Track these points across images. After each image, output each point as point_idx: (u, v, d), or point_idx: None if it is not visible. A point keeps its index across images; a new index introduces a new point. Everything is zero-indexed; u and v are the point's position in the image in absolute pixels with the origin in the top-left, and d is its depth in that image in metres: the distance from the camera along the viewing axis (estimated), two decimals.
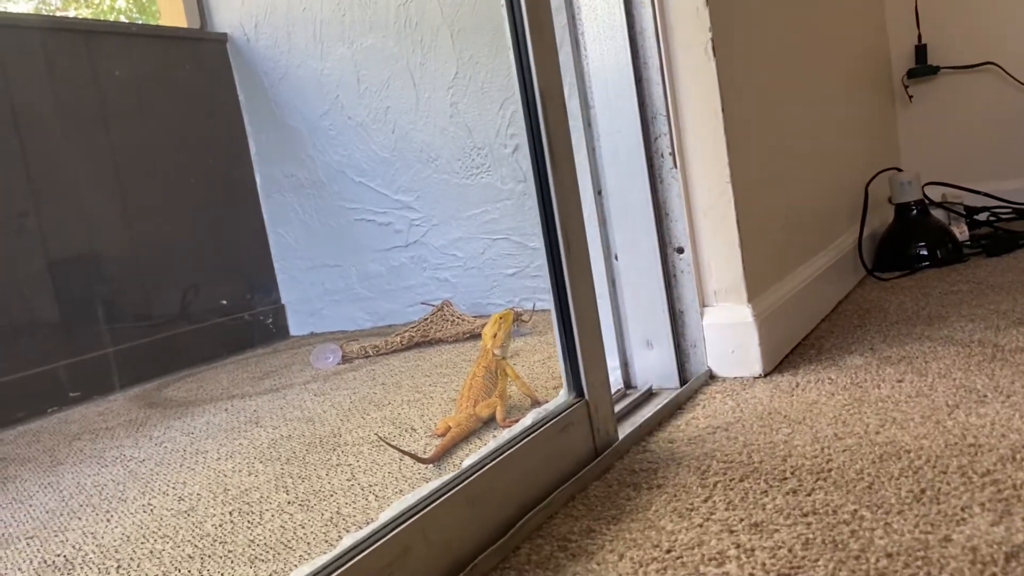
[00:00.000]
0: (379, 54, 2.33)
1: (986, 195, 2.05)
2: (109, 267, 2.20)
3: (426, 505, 0.70)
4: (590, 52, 1.16)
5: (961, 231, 1.87)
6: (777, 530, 0.69)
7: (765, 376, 1.15)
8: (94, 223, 2.17)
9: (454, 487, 0.73)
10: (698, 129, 1.15)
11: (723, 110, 1.13)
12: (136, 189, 2.28)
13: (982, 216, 2.04)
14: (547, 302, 2.09)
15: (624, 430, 1.00)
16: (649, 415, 1.03)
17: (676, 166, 1.16)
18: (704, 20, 1.11)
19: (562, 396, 0.94)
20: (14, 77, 2.04)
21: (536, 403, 1.24)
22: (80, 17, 2.25)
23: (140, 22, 2.48)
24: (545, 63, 0.89)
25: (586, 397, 0.93)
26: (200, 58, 2.51)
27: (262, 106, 2.56)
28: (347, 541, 0.70)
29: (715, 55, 1.12)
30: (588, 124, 1.18)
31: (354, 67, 2.37)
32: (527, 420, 0.89)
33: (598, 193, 1.19)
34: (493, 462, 0.78)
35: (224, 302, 2.47)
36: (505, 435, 0.86)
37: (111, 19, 2.42)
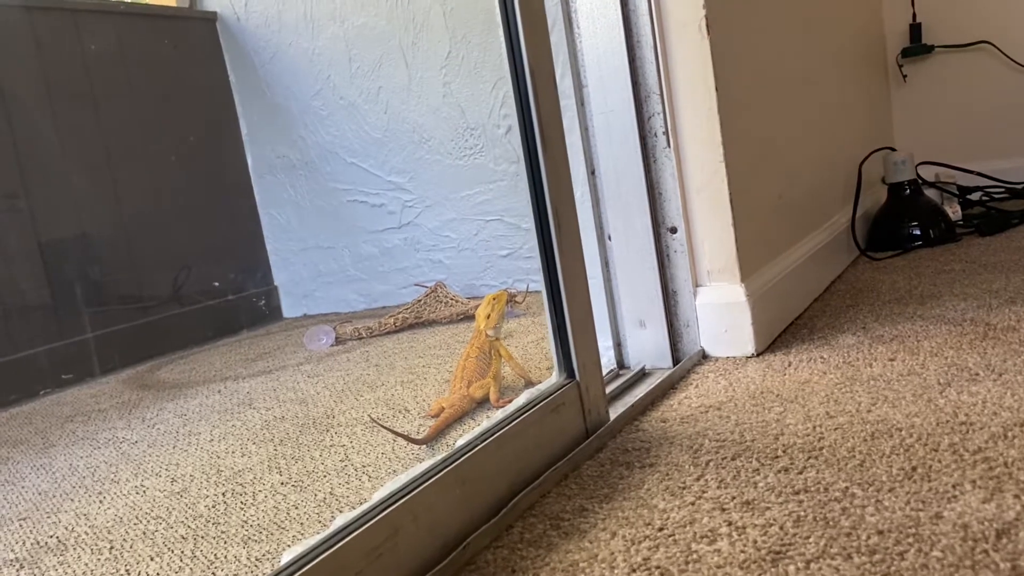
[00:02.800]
0: (371, 33, 2.31)
1: (979, 174, 2.05)
2: (100, 249, 2.19)
3: (416, 486, 0.70)
4: (583, 30, 1.15)
5: (954, 210, 1.87)
6: (769, 508, 0.69)
7: (758, 356, 1.15)
8: (85, 205, 2.16)
9: (445, 468, 0.73)
10: (692, 108, 1.14)
11: (717, 89, 1.12)
12: (127, 170, 2.26)
13: (975, 196, 2.04)
14: (540, 283, 2.08)
15: (617, 410, 1.00)
16: (642, 395, 1.03)
17: (670, 145, 1.15)
18: None
19: (554, 377, 0.94)
20: (2, 57, 2.02)
21: (530, 383, 1.24)
22: None
23: (128, 1, 2.45)
24: (535, 40, 0.88)
25: (577, 378, 0.92)
26: (189, 37, 2.48)
27: (253, 86, 2.54)
28: (339, 521, 0.70)
29: (709, 33, 1.11)
30: (581, 103, 1.17)
31: (345, 46, 2.35)
32: (520, 400, 0.89)
33: (591, 173, 1.19)
34: (484, 443, 0.78)
35: (216, 284, 2.46)
36: (497, 416, 0.86)
37: None
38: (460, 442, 0.80)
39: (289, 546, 0.83)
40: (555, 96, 0.91)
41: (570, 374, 0.93)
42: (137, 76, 2.32)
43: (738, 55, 1.22)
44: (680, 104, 1.15)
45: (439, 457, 0.76)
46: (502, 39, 0.89)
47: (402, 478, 0.73)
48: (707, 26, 1.11)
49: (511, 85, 0.89)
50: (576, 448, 0.88)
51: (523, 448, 0.83)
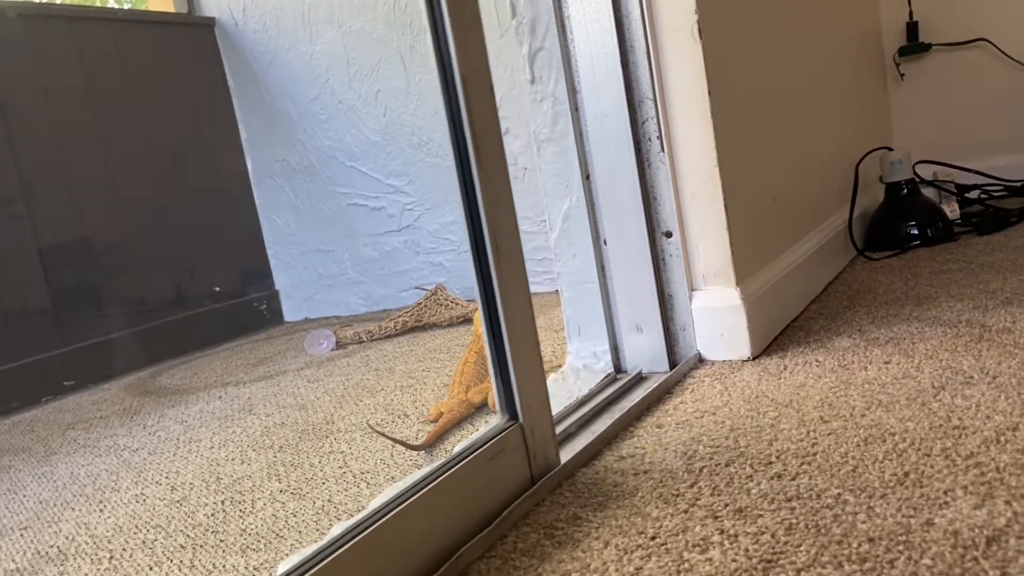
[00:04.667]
0: (368, 37, 2.31)
1: (977, 173, 2.05)
2: (101, 255, 2.20)
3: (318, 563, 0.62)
4: (576, 36, 1.16)
5: (952, 209, 1.87)
6: (761, 515, 0.70)
7: (754, 359, 1.16)
8: (84, 211, 2.17)
9: (354, 538, 0.65)
10: (685, 112, 1.15)
11: (710, 93, 1.13)
12: (126, 176, 2.27)
13: (973, 194, 2.04)
14: (538, 285, 2.07)
15: (613, 415, 1.01)
16: (637, 400, 1.03)
17: (664, 150, 1.15)
18: (690, 2, 1.10)
19: (495, 419, 0.85)
20: (1, 64, 2.03)
21: None
22: (66, 3, 2.23)
23: (127, 7, 2.45)
24: (468, 46, 0.80)
25: (520, 420, 0.83)
26: (188, 43, 2.49)
27: (252, 91, 2.54)
28: (335, 530, 0.70)
29: (701, 37, 1.11)
30: (575, 108, 1.18)
31: (344, 50, 2.36)
32: (457, 448, 0.81)
33: (586, 178, 1.19)
34: (403, 505, 0.69)
35: (217, 288, 2.47)
36: (421, 472, 0.76)
37: (98, 5, 2.39)
38: (374, 504, 0.72)
39: (286, 555, 0.83)
40: (492, 105, 0.82)
41: (513, 415, 0.83)
42: (136, 82, 2.33)
43: (731, 58, 1.22)
44: (674, 108, 1.15)
45: (350, 523, 0.68)
46: (429, 44, 0.80)
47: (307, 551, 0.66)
48: (699, 31, 1.11)
49: (440, 93, 0.81)
50: (515, 501, 0.78)
51: (452, 506, 0.73)
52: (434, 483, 0.72)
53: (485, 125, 0.81)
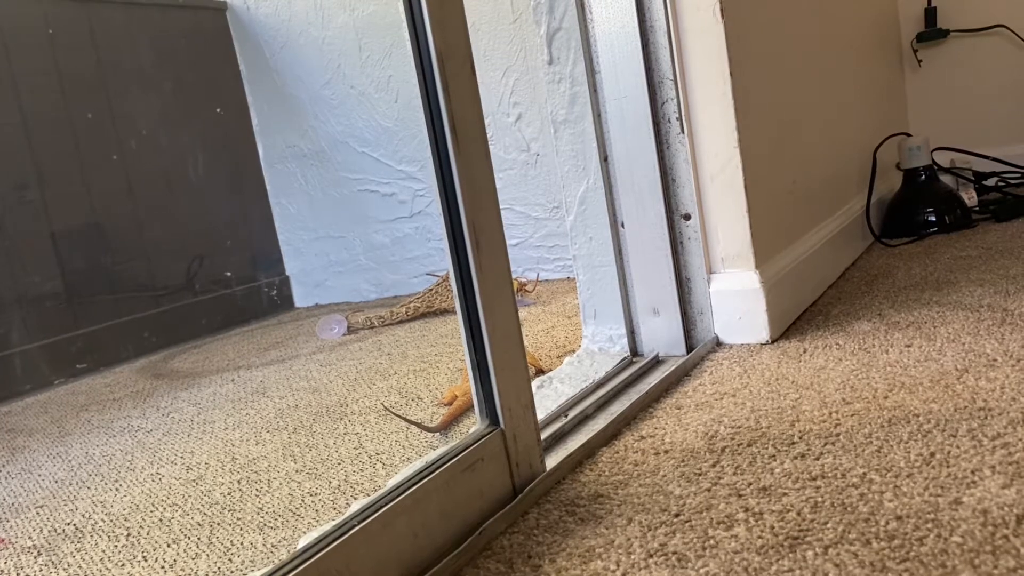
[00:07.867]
0: (380, 21, 2.30)
1: (995, 160, 2.03)
2: (113, 239, 2.20)
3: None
4: (595, 15, 1.15)
5: (970, 196, 1.85)
6: (786, 494, 0.69)
7: (772, 342, 1.15)
8: (97, 195, 2.17)
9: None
10: (706, 94, 1.14)
11: (732, 74, 1.12)
12: (138, 161, 2.26)
13: (991, 181, 2.02)
14: (549, 272, 2.07)
15: (631, 397, 1.00)
16: (655, 382, 1.02)
17: (683, 131, 1.14)
18: None
19: (476, 425, 0.80)
20: (14, 48, 2.02)
21: (540, 372, 1.24)
22: None
23: None
24: (445, 16, 0.73)
25: (501, 425, 0.77)
26: (200, 27, 2.48)
27: (263, 76, 2.54)
28: (354, 507, 0.70)
29: (723, 18, 1.10)
30: (594, 89, 1.17)
31: (356, 35, 2.35)
32: (428, 456, 0.77)
33: (604, 160, 1.18)
34: (364, 523, 0.63)
35: (228, 273, 2.47)
36: (394, 480, 0.72)
37: None
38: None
39: (305, 532, 0.83)
40: (472, 86, 0.75)
41: (493, 420, 0.77)
42: (148, 66, 2.33)
43: (752, 40, 1.21)
44: (694, 90, 1.14)
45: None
46: (402, 12, 0.72)
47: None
48: (721, 11, 1.10)
49: (415, 71, 0.74)
50: (495, 514, 0.72)
51: (421, 523, 0.67)
52: (400, 498, 0.66)
53: (465, 107, 0.74)
